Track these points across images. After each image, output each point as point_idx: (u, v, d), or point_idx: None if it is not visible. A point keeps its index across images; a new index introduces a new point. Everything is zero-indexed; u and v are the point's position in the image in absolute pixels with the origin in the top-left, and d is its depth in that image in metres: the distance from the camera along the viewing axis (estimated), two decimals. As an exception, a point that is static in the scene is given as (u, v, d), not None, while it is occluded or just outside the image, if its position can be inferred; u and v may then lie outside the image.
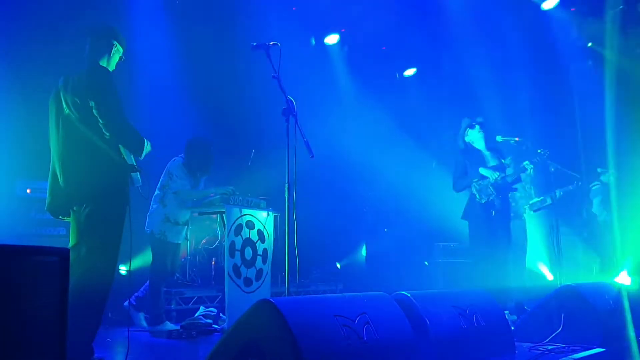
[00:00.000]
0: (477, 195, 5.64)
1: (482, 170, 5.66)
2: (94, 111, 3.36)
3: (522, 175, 5.83)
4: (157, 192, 5.35)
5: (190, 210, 5.37)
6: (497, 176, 5.58)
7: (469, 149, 5.85)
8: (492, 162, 5.77)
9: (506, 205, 5.76)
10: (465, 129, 5.85)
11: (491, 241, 5.59)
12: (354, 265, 8.88)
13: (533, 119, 7.22)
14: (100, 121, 3.37)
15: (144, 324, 5.35)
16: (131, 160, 3.52)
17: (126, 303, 5.31)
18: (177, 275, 6.26)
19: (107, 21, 4.20)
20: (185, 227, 5.43)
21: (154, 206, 5.31)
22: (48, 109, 3.60)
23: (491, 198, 5.60)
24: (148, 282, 5.40)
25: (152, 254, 5.29)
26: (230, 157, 7.06)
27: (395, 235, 8.37)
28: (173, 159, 5.43)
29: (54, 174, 3.47)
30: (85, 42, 3.64)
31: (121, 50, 3.71)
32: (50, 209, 3.50)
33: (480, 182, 5.65)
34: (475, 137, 5.81)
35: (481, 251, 5.66)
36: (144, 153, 3.57)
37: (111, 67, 3.66)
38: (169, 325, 5.18)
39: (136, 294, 5.39)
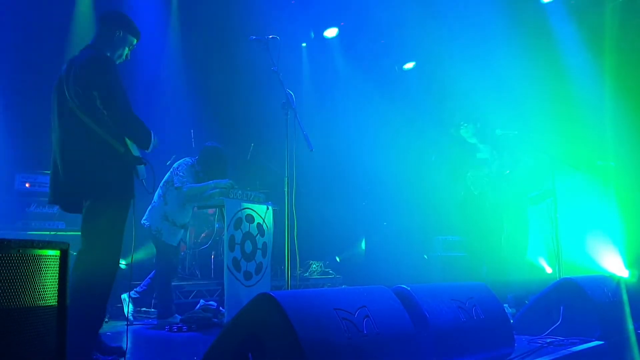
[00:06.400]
0: (472, 187, 5.64)
1: (478, 161, 5.66)
2: (97, 102, 3.24)
3: (521, 168, 5.81)
4: (159, 188, 5.33)
5: (191, 211, 5.37)
6: (492, 168, 5.58)
7: (461, 141, 5.83)
8: (484, 155, 5.75)
9: (501, 197, 5.74)
10: (459, 125, 5.81)
11: (485, 233, 5.59)
12: (353, 259, 8.88)
13: (532, 112, 7.20)
14: (105, 112, 3.24)
15: (131, 317, 5.39)
16: (137, 152, 3.41)
17: (125, 295, 5.32)
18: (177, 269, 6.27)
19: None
20: (182, 230, 5.41)
21: (155, 201, 5.30)
22: (49, 100, 3.49)
23: (484, 189, 5.60)
24: (150, 276, 5.41)
25: (156, 251, 5.30)
26: (230, 151, 7.06)
27: (395, 228, 8.37)
28: (184, 159, 5.42)
29: (55, 166, 3.35)
30: (94, 29, 3.55)
31: (129, 40, 3.57)
32: (53, 201, 3.42)
33: (475, 173, 5.64)
34: (467, 134, 5.79)
35: (475, 243, 5.68)
36: (152, 146, 3.45)
37: (117, 58, 3.53)
38: (179, 318, 5.18)
39: (136, 289, 5.40)
